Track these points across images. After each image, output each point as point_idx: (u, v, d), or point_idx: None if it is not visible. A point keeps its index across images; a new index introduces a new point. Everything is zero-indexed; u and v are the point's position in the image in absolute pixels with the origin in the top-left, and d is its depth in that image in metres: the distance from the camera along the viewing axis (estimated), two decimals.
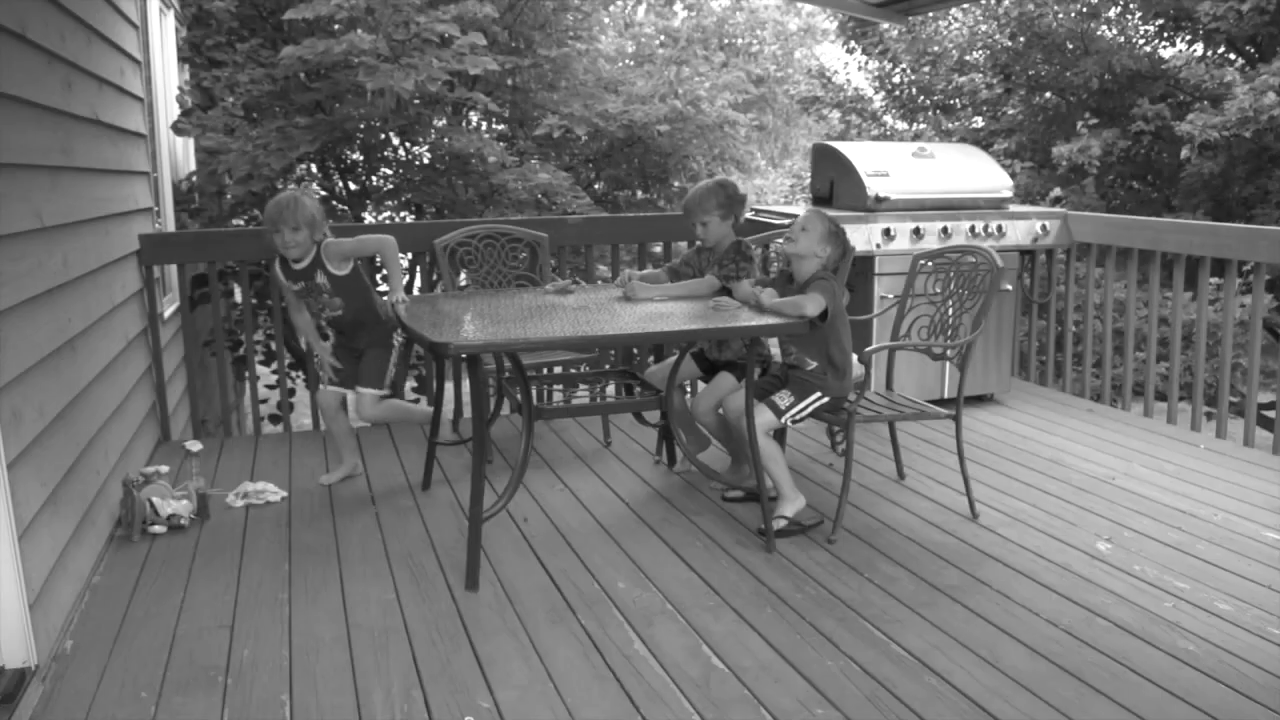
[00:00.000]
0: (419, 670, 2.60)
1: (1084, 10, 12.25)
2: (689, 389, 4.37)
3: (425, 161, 9.14)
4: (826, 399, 3.51)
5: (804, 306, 3.28)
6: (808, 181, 6.55)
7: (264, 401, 5.69)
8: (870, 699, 2.45)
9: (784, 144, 20.27)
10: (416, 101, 8.18)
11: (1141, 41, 12.48)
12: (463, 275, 5.48)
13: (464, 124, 9.40)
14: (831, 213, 3.97)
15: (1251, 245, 4.48)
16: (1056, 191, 11.38)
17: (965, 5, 12.68)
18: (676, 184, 10.20)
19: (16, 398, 2.69)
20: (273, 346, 7.24)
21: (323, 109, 8.09)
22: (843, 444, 4.05)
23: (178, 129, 6.69)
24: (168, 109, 6.47)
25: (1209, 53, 12.06)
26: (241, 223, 8.11)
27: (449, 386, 5.73)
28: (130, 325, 4.27)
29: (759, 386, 3.57)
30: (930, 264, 3.99)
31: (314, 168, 9.25)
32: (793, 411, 3.49)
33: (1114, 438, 4.65)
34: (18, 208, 2.87)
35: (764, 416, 3.45)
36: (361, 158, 9.08)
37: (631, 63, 12.01)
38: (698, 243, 3.93)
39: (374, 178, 9.33)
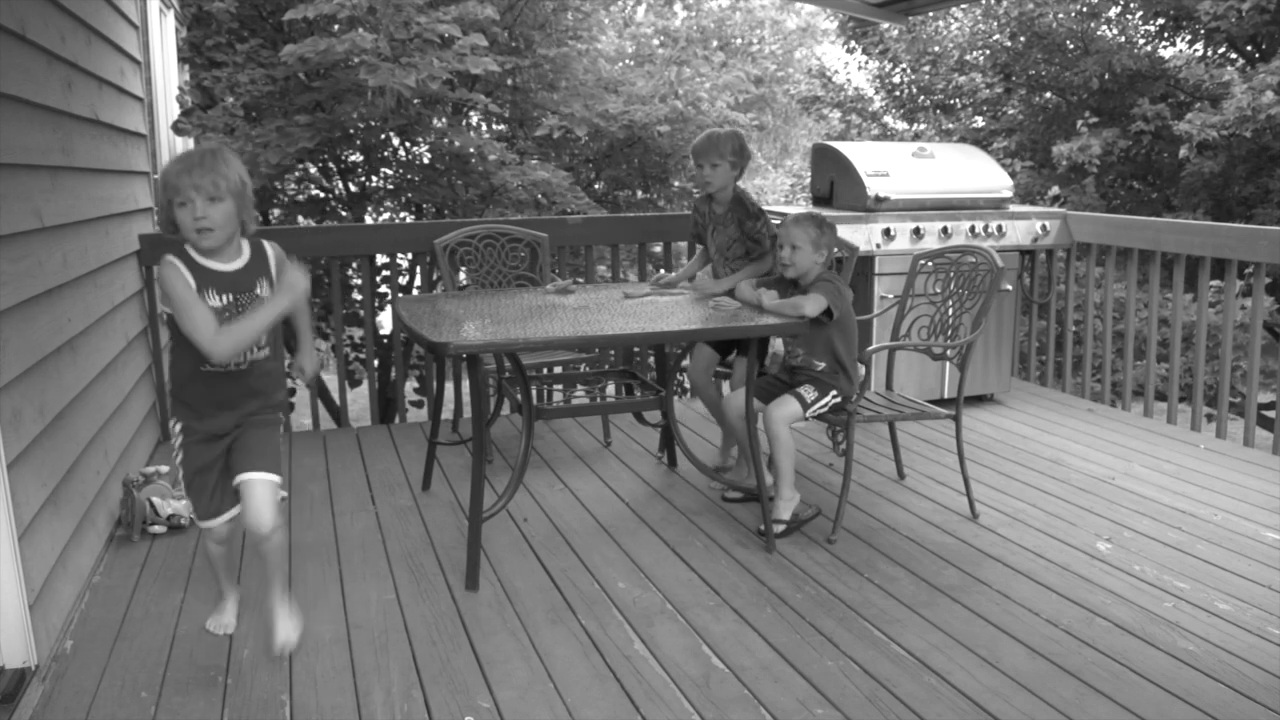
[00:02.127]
0: (419, 670, 2.60)
1: (1084, 10, 12.25)
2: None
3: (425, 161, 9.15)
4: (840, 399, 3.52)
5: (803, 307, 3.29)
6: (808, 181, 6.56)
7: None
8: (870, 699, 2.45)
9: (784, 144, 20.29)
10: (416, 101, 8.18)
11: (1142, 41, 12.48)
12: (462, 275, 5.48)
13: (464, 124, 9.40)
14: (831, 213, 3.98)
15: (1251, 245, 4.48)
16: (1055, 190, 11.39)
17: (965, 5, 12.68)
18: (677, 184, 10.20)
19: (16, 398, 2.69)
20: None
21: (323, 109, 8.09)
22: (843, 444, 4.05)
23: (178, 129, 6.69)
24: (168, 109, 6.48)
25: (1209, 52, 12.06)
26: None
27: (449, 386, 5.74)
28: (130, 325, 4.27)
29: (775, 384, 3.58)
30: (930, 264, 3.99)
31: (314, 169, 9.26)
32: (815, 406, 3.49)
33: (1114, 438, 4.65)
34: (18, 208, 2.87)
35: (790, 408, 3.45)
36: (362, 158, 9.08)
37: (631, 63, 12.01)
38: (696, 191, 3.98)
39: (374, 178, 9.33)
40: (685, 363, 4.23)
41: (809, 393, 3.49)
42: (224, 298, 2.43)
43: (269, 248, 2.55)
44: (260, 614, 2.91)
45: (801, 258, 3.44)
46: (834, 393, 3.50)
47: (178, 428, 2.57)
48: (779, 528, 3.44)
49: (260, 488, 2.49)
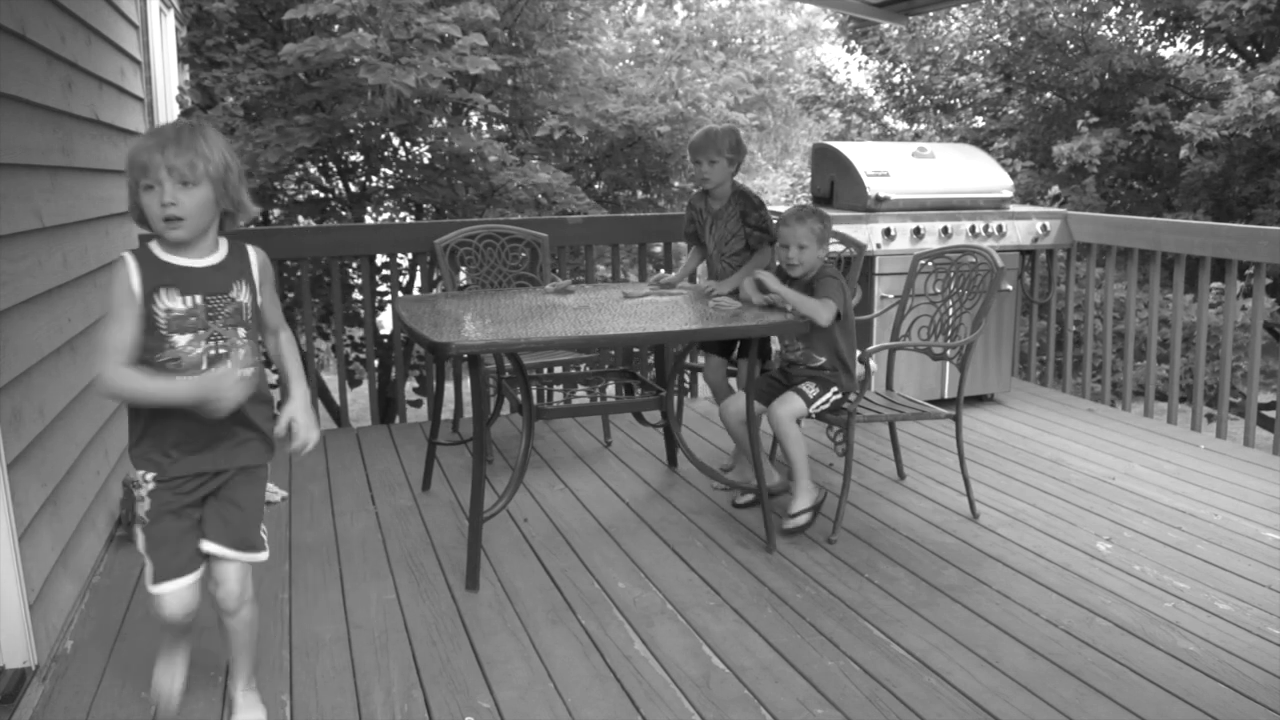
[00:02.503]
0: (419, 670, 2.60)
1: (1084, 10, 12.25)
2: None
3: (425, 161, 9.16)
4: (840, 395, 3.52)
5: (818, 314, 3.28)
6: (808, 181, 6.56)
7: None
8: (870, 699, 2.45)
9: (784, 144, 20.30)
10: (416, 101, 8.19)
11: (1142, 41, 12.48)
12: (462, 275, 5.48)
13: (464, 124, 9.40)
14: (831, 213, 3.98)
15: (1251, 245, 4.48)
16: (1055, 190, 11.39)
17: (965, 5, 12.68)
18: (677, 184, 10.21)
19: (16, 398, 2.69)
20: None
21: (322, 109, 8.10)
22: (843, 444, 4.05)
23: None
24: (168, 109, 6.48)
25: (1209, 52, 12.06)
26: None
27: (449, 386, 5.74)
28: None
29: (774, 384, 3.58)
30: (930, 264, 3.99)
31: (313, 169, 9.26)
32: (818, 402, 3.49)
33: (1114, 438, 4.65)
34: (18, 208, 2.87)
35: (793, 404, 3.45)
36: (362, 158, 9.09)
37: (631, 63, 12.02)
38: (695, 189, 4.02)
39: (374, 178, 9.34)
40: (688, 362, 4.24)
41: (811, 389, 3.49)
42: (191, 299, 2.01)
43: (252, 251, 2.14)
44: (260, 614, 2.92)
45: (809, 256, 3.43)
46: (835, 389, 3.50)
47: (149, 478, 2.08)
48: (803, 519, 3.41)
49: (232, 568, 2.15)
